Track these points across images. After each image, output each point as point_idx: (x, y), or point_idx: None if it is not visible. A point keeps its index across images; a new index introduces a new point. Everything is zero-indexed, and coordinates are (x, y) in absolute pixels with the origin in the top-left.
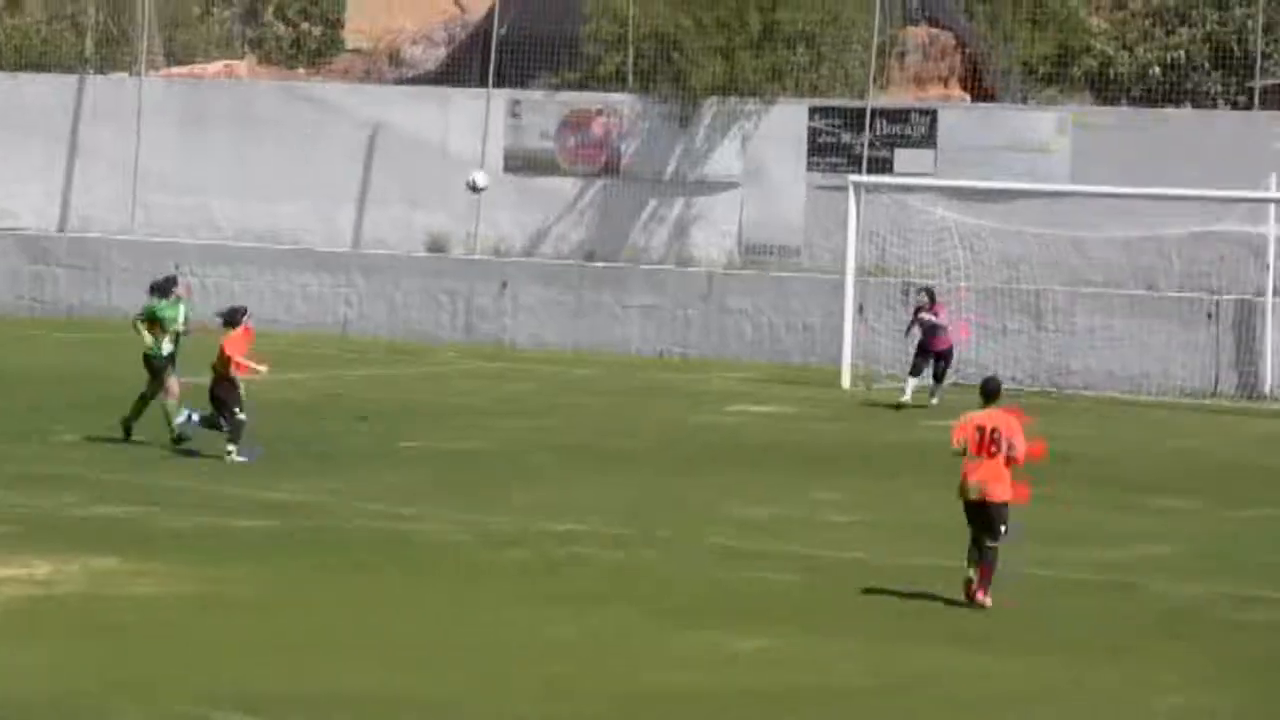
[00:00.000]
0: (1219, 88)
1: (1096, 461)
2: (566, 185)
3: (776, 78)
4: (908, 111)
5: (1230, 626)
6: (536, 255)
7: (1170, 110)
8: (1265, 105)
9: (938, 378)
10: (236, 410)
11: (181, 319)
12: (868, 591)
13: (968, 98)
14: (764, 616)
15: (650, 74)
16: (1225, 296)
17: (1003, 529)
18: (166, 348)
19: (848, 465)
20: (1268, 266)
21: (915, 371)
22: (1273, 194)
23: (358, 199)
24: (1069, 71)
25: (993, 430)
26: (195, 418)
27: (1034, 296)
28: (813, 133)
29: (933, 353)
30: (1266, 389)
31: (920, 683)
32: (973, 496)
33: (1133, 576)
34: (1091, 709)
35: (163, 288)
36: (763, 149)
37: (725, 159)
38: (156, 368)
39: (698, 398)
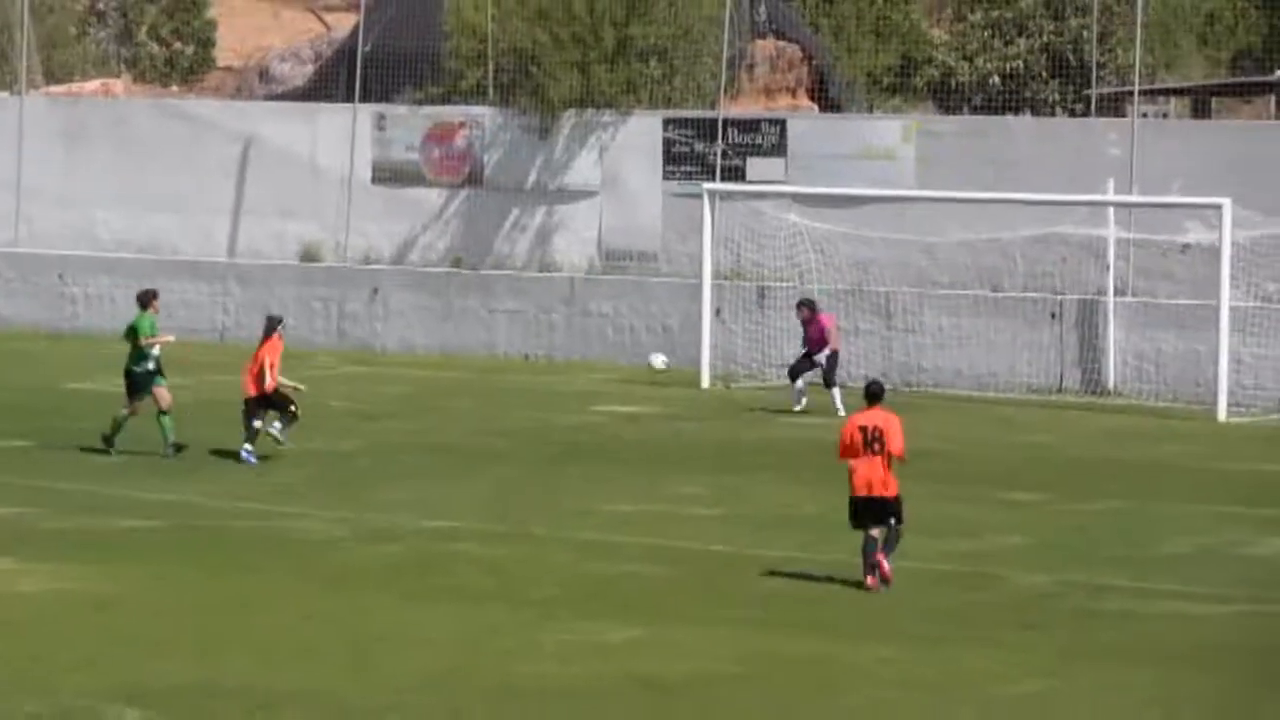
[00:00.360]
0: (1057, 96)
1: (948, 457)
2: (432, 195)
3: (631, 90)
4: (758, 121)
5: (1083, 615)
6: (405, 263)
7: (1010, 118)
8: (1101, 112)
9: (829, 381)
10: (258, 421)
11: (148, 330)
12: (732, 582)
13: (815, 107)
14: (633, 608)
15: (510, 88)
16: (1068, 296)
17: (898, 520)
18: (150, 363)
19: (709, 461)
20: (1108, 267)
21: (794, 374)
22: (1110, 197)
23: (232, 211)
24: (912, 81)
25: (874, 429)
26: (277, 426)
27: (884, 298)
28: (667, 143)
29: (816, 354)
30: (1109, 385)
31: (786, 670)
32: (862, 493)
33: (987, 568)
34: (951, 696)
35: (142, 300)
36: (620, 159)
37: (584, 169)
38: (137, 382)
39: (563, 398)
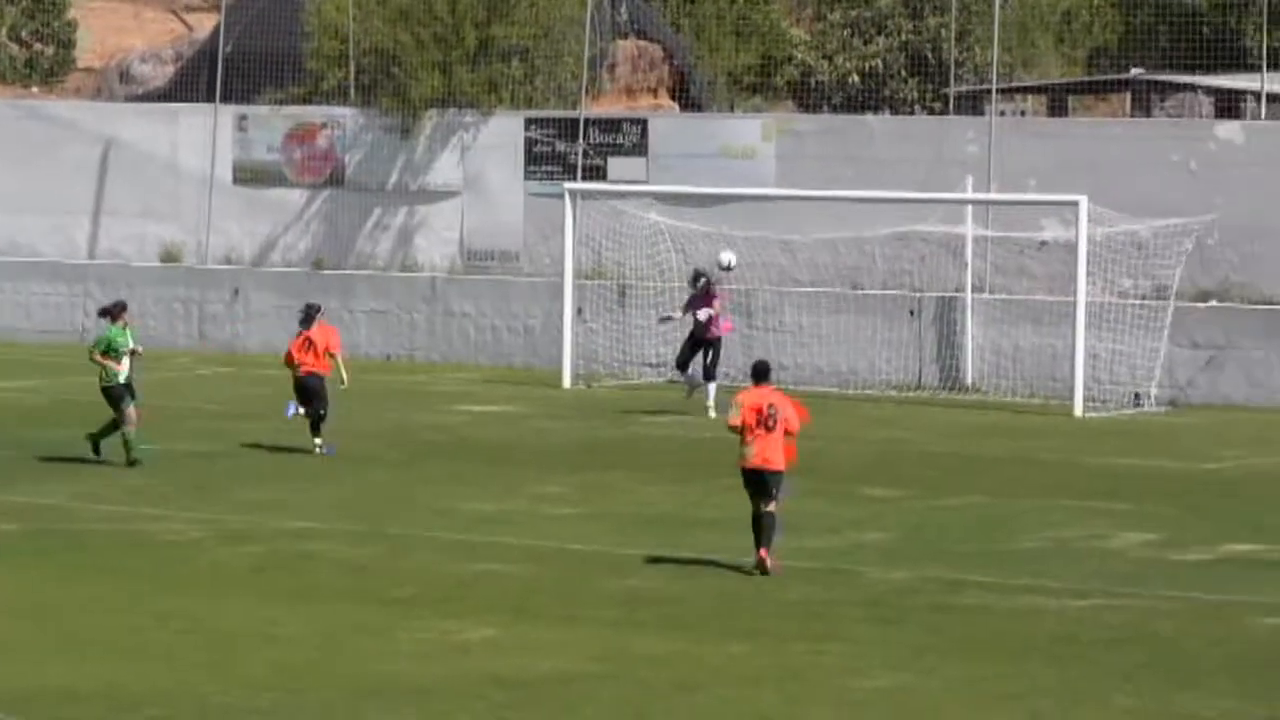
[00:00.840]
0: (915, 94)
1: (808, 454)
2: (294, 196)
3: (493, 90)
4: (619, 121)
5: (939, 610)
6: (266, 264)
7: (870, 117)
8: (960, 110)
9: (709, 374)
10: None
11: (130, 341)
12: (591, 581)
13: (676, 107)
14: (493, 607)
15: (372, 88)
16: (926, 294)
17: (780, 493)
18: (124, 375)
19: (569, 461)
20: (966, 264)
21: (682, 364)
22: (968, 195)
23: (92, 212)
24: (772, 81)
25: (769, 407)
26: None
27: (744, 296)
28: (529, 142)
29: (703, 341)
30: (968, 381)
31: (644, 668)
32: (754, 465)
33: (846, 564)
34: (806, 691)
35: (112, 312)
36: (481, 159)
37: (445, 169)
38: (116, 396)
39: (425, 398)
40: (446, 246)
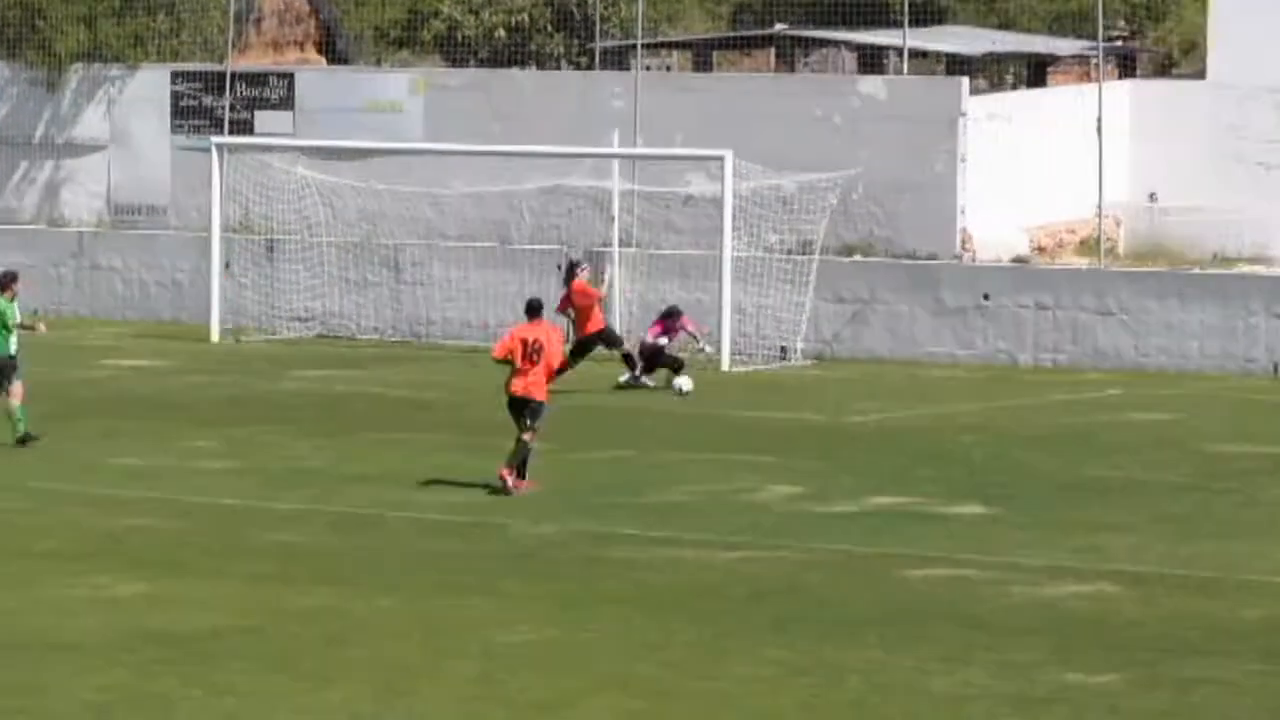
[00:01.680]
0: (561, 49)
1: (455, 407)
2: None
3: (139, 44)
4: (266, 75)
5: (587, 563)
6: None
7: (516, 71)
8: (606, 66)
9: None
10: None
11: (17, 314)
12: (242, 535)
13: (324, 61)
14: (143, 562)
15: (16, 42)
16: (575, 248)
17: (538, 423)
18: (13, 347)
19: (219, 415)
20: (613, 218)
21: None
22: (615, 150)
23: None
24: (419, 35)
25: (534, 341)
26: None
27: (392, 250)
28: (175, 96)
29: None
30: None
31: (294, 622)
32: (518, 393)
33: (493, 517)
34: (454, 645)
35: (2, 283)
36: (128, 112)
37: (92, 122)
38: (5, 368)
39: (73, 353)
40: (94, 201)
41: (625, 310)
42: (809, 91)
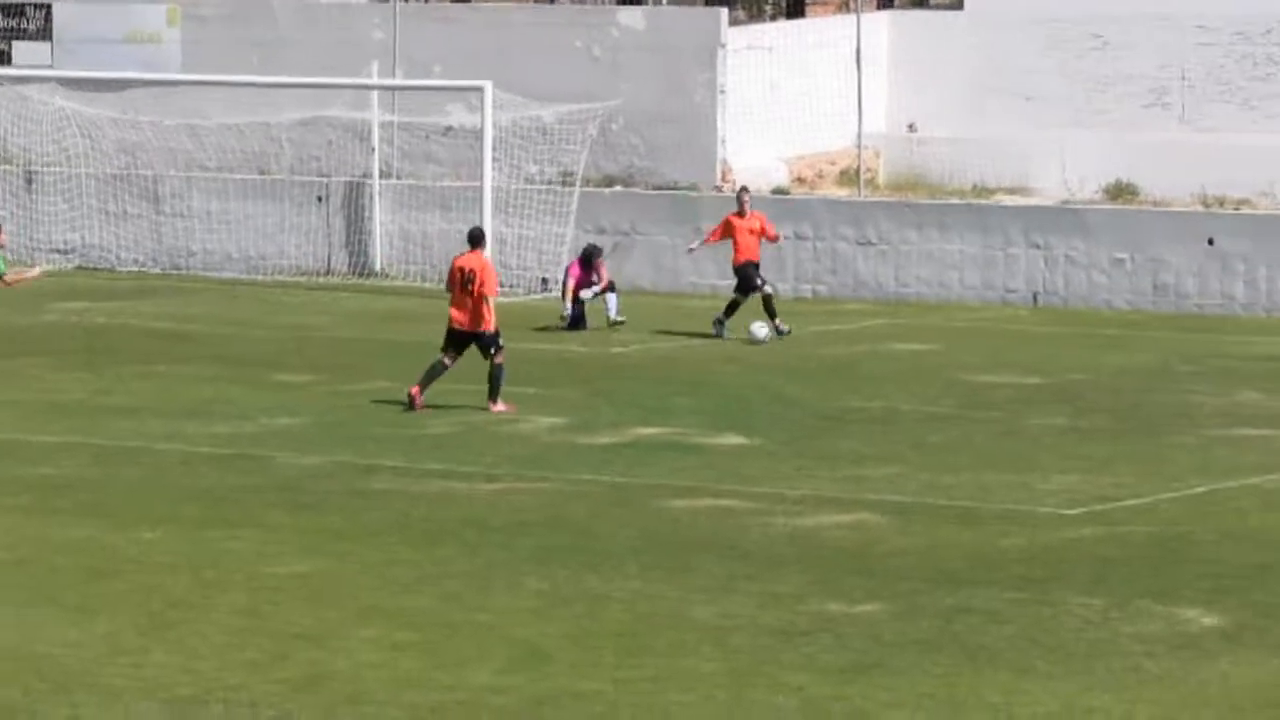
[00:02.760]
0: None
1: (218, 339)
2: None
3: None
4: (23, 5)
5: (353, 495)
6: None
7: (275, 1)
8: None
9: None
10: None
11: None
12: (3, 468)
13: None
14: None
15: None
16: (334, 179)
17: (497, 349)
18: None
19: None
20: (373, 150)
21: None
22: (374, 81)
23: None
24: None
25: (469, 271)
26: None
27: (152, 182)
28: None
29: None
30: (376, 267)
31: (57, 555)
32: (461, 327)
33: (258, 449)
34: (219, 578)
35: None
36: None
37: None
38: None
39: None
40: None
41: (386, 243)
42: (568, 22)
